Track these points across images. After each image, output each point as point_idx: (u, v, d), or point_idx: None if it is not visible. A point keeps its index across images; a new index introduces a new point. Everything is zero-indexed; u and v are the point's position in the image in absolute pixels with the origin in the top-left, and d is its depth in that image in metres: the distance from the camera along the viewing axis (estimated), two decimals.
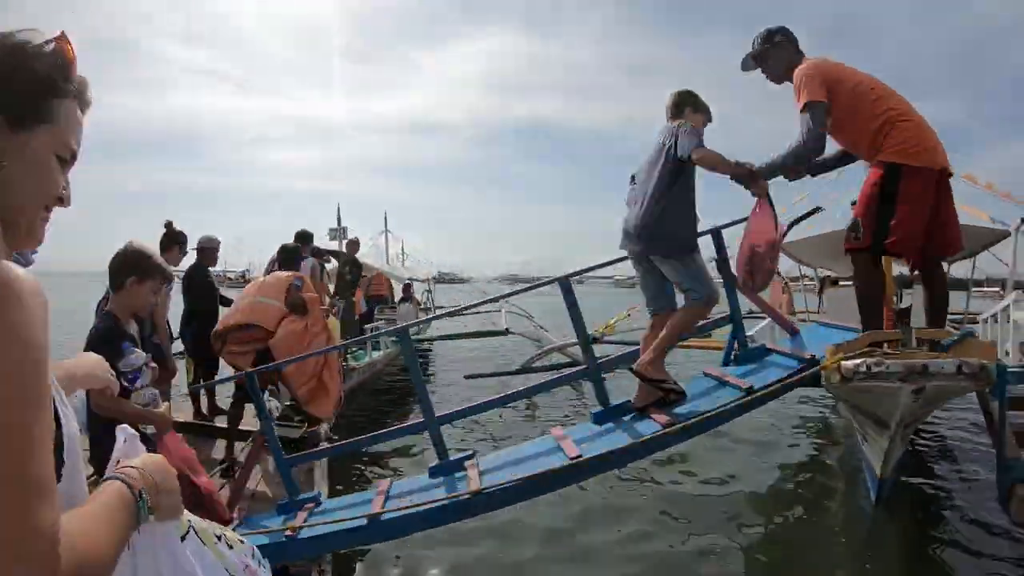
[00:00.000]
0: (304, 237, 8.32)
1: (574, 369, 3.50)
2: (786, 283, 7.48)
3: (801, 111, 3.00)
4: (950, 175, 2.97)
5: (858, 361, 2.49)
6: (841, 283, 7.23)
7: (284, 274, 5.00)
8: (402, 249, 19.78)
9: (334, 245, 9.39)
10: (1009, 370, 2.48)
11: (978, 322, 5.94)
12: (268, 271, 6.02)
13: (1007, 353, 5.08)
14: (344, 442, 3.70)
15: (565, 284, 3.45)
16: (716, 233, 3.48)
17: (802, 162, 3.14)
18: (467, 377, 8.65)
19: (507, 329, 12.02)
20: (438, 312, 17.83)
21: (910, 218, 2.83)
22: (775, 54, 3.23)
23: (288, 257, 5.54)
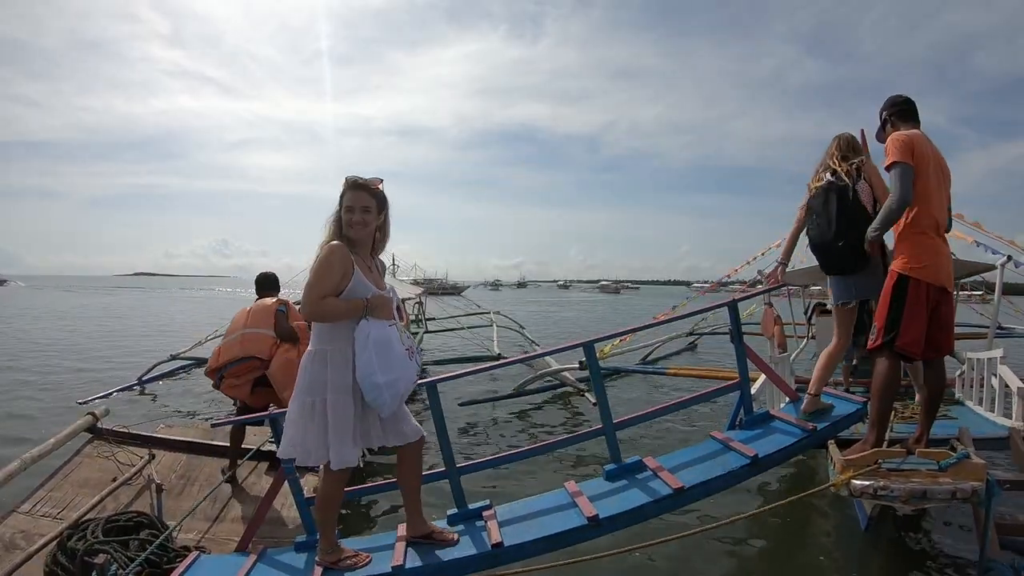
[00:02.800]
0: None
1: (592, 429, 3.67)
2: (778, 315, 7.65)
3: (887, 168, 3.21)
4: (950, 292, 3.30)
5: (867, 483, 2.92)
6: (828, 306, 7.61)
7: (269, 301, 5.10)
8: (393, 260, 19.79)
9: None
10: (996, 488, 2.75)
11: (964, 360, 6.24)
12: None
13: (993, 393, 5.31)
14: (366, 486, 3.83)
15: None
16: (732, 305, 3.72)
17: (897, 217, 3.25)
18: (462, 404, 8.70)
19: (499, 355, 12.20)
20: (428, 324, 17.90)
21: (914, 323, 3.16)
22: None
23: (266, 283, 5.39)
